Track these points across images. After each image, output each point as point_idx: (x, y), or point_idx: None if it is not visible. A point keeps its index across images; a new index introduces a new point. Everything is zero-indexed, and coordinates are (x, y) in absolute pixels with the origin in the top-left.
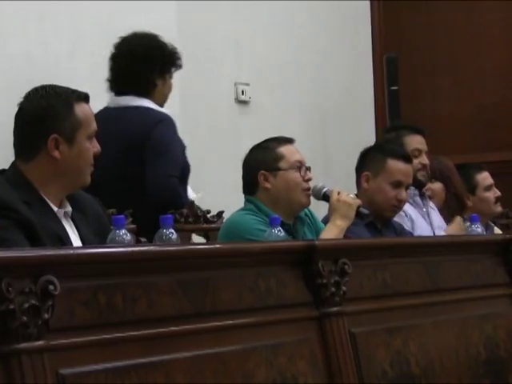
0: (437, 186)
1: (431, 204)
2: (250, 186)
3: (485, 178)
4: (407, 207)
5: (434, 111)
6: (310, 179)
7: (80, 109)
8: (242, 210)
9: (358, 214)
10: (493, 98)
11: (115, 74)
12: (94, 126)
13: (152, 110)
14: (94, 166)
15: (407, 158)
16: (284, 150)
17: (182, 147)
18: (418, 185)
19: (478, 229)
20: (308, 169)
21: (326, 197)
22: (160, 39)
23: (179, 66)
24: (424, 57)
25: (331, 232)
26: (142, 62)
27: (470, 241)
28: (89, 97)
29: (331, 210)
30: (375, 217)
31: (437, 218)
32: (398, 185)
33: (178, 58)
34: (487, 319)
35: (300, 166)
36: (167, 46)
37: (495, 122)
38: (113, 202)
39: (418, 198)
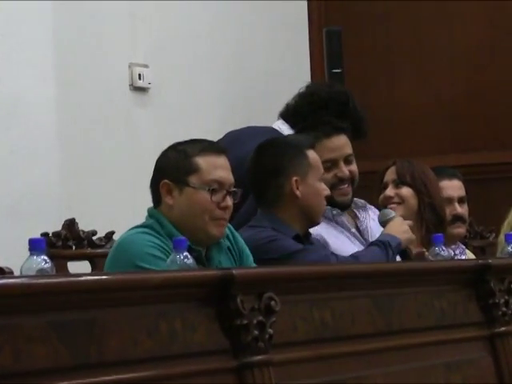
0: (405, 191)
1: (367, 217)
2: (154, 195)
3: (442, 188)
4: (317, 227)
5: (386, 101)
6: (226, 207)
7: None
8: (140, 226)
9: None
10: (463, 85)
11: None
12: None
13: None
14: None
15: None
16: (203, 161)
17: None
18: (341, 207)
19: (444, 252)
20: (232, 193)
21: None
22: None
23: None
24: (375, 32)
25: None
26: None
27: (434, 268)
28: None
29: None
30: (301, 230)
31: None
32: (321, 178)
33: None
34: (455, 368)
35: (218, 188)
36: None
37: (465, 115)
38: None
39: (341, 219)
